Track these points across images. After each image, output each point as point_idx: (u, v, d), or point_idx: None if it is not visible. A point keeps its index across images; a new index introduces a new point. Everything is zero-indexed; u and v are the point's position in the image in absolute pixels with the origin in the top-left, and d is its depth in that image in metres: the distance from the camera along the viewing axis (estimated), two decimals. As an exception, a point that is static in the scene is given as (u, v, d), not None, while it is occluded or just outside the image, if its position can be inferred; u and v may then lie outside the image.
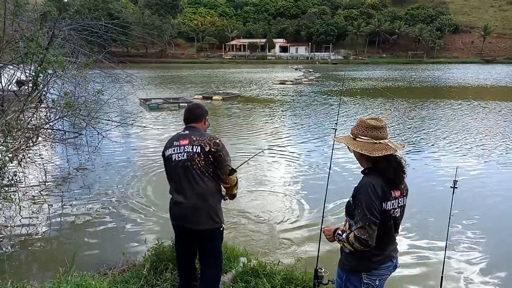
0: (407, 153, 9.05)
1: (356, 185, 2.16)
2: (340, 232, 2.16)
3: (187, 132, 2.82)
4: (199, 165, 2.69)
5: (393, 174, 2.08)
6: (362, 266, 2.15)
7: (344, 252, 2.23)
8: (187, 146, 2.72)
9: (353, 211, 2.10)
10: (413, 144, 10.34)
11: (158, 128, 12.34)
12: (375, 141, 2.09)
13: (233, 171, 2.78)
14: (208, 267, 2.93)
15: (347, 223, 2.22)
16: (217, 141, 2.75)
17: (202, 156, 2.69)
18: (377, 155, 2.05)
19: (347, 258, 2.21)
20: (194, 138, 2.74)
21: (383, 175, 2.07)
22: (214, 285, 2.99)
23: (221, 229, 2.84)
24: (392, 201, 2.10)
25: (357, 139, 2.13)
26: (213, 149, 2.69)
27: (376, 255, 2.12)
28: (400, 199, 2.14)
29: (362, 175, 2.18)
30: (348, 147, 2.20)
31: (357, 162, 2.25)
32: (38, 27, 4.89)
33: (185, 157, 2.71)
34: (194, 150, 2.70)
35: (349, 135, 2.21)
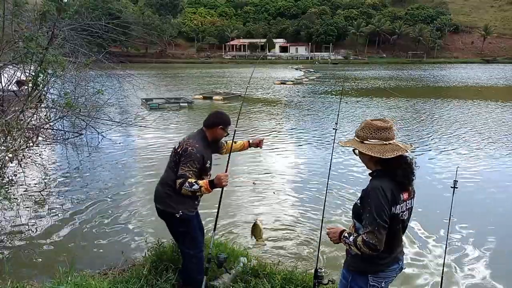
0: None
1: (363, 188, 2.12)
2: (346, 234, 2.11)
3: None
4: (172, 158, 3.08)
5: (403, 177, 2.04)
6: (369, 268, 2.11)
7: (350, 254, 2.18)
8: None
9: (361, 214, 2.06)
10: (414, 143, 10.34)
11: (158, 128, 12.33)
12: (384, 142, 2.04)
13: (179, 177, 2.89)
14: (181, 255, 3.29)
15: (354, 225, 2.18)
16: (189, 148, 2.94)
17: (174, 152, 3.08)
18: (390, 157, 2.00)
19: (353, 259, 2.16)
20: (184, 138, 3.11)
21: (393, 178, 2.03)
22: (187, 275, 3.23)
23: (178, 216, 3.01)
24: (401, 204, 2.05)
25: (365, 142, 2.07)
26: (180, 151, 2.99)
27: (384, 257, 2.09)
28: (408, 201, 2.10)
29: (370, 178, 2.13)
30: (353, 151, 2.17)
31: (360, 163, 2.22)
32: (37, 27, 4.89)
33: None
34: (175, 146, 3.11)
35: (354, 139, 2.15)
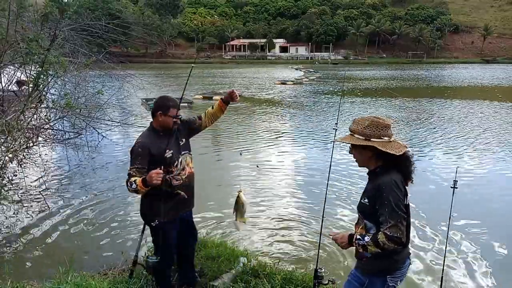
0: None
1: (363, 186, 2.12)
2: (359, 237, 2.08)
3: None
4: None
5: (409, 171, 2.10)
6: (387, 268, 2.10)
7: (365, 256, 2.13)
8: None
9: (374, 213, 2.04)
10: (413, 143, 10.34)
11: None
12: (390, 139, 2.08)
13: (128, 175, 2.74)
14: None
15: (362, 226, 2.14)
16: (133, 147, 2.83)
17: None
18: (402, 153, 2.04)
19: (369, 261, 2.13)
20: None
21: (399, 171, 2.08)
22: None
23: (153, 224, 2.96)
24: (408, 196, 2.11)
25: (373, 139, 2.05)
26: None
27: (399, 252, 2.08)
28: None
29: (372, 175, 2.15)
30: (350, 149, 2.16)
31: (356, 163, 2.21)
32: (39, 28, 4.90)
33: None
34: None
35: (355, 136, 2.10)
